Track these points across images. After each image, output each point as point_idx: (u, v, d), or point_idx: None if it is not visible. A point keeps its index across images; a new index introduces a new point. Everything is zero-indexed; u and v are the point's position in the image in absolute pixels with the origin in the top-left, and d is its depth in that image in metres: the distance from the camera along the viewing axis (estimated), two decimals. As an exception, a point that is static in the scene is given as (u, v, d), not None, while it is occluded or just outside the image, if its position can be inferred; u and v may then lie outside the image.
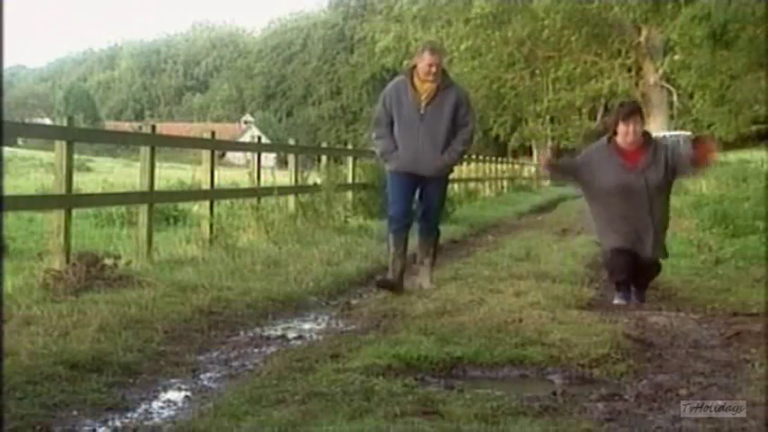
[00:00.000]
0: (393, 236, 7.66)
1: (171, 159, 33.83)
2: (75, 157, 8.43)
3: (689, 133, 39.53)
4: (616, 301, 7.02)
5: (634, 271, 6.98)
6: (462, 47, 35.15)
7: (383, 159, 7.80)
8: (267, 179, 12.00)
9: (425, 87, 7.51)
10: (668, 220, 7.28)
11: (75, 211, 8.13)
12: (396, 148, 7.56)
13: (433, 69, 7.46)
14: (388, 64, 40.80)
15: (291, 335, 6.01)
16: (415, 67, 7.62)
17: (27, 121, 37.33)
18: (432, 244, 7.83)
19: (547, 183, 36.98)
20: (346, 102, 64.13)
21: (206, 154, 10.43)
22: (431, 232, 7.83)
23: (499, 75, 36.97)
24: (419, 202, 7.82)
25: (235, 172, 23.27)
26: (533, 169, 42.03)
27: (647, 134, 7.10)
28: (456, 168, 28.08)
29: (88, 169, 32.81)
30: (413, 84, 7.54)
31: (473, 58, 35.89)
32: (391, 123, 7.60)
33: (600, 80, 37.17)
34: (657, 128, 38.69)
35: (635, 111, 7.03)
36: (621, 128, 6.91)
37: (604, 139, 7.15)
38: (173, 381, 4.79)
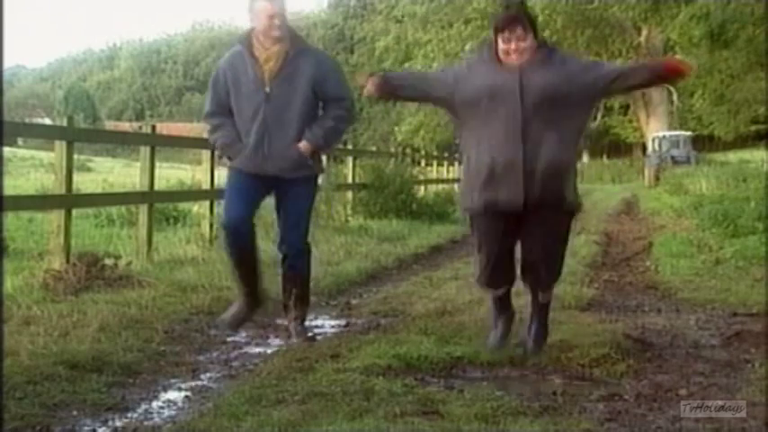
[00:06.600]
0: (234, 251, 5.63)
1: (171, 159, 33.82)
2: (75, 157, 8.44)
3: (689, 133, 39.62)
4: None
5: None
6: (467, 47, 35.14)
7: (226, 156, 5.75)
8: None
9: (270, 54, 5.53)
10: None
11: (75, 211, 8.14)
12: (240, 139, 5.58)
13: (277, 22, 5.50)
14: (389, 65, 40.82)
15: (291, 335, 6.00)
16: (252, 30, 5.61)
17: (27, 121, 37.27)
18: (301, 277, 5.78)
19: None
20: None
21: (206, 154, 10.43)
22: (297, 261, 5.73)
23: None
24: (278, 222, 5.80)
25: (235, 172, 23.20)
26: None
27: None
28: (455, 168, 27.68)
29: (88, 169, 32.80)
30: (252, 54, 5.56)
31: None
32: (230, 110, 5.63)
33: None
34: (658, 127, 38.78)
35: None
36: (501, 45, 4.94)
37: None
38: (173, 381, 4.79)
